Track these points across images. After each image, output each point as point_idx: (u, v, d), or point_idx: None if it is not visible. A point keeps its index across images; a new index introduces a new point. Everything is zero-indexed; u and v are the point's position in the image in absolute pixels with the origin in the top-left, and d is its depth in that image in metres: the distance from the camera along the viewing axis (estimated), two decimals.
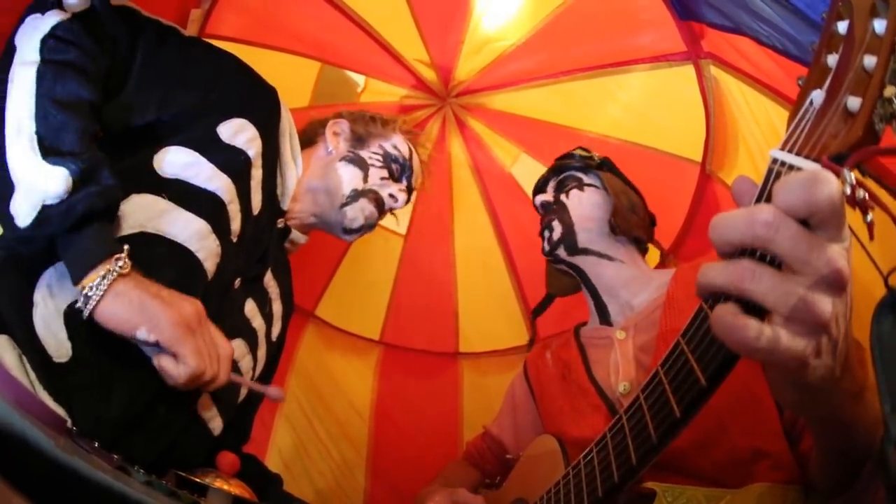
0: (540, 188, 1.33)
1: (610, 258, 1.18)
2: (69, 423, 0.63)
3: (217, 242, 0.94)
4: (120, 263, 0.77)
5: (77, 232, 0.76)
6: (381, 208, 1.21)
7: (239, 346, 1.03)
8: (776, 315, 0.43)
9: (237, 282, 1.01)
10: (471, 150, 1.91)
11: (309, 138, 1.27)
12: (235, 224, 0.98)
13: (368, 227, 1.21)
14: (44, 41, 0.82)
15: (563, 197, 1.24)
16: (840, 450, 0.65)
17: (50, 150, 0.76)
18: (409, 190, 1.28)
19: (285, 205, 1.14)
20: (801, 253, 0.42)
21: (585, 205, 1.21)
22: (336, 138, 1.24)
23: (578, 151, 1.31)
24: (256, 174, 1.04)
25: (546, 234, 1.23)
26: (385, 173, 1.22)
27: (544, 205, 1.27)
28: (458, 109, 1.87)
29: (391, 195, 1.21)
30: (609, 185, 1.22)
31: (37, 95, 0.79)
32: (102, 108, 0.90)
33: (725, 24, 1.25)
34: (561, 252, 1.20)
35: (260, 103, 1.08)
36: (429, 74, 1.79)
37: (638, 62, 1.57)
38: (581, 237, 1.18)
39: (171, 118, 0.96)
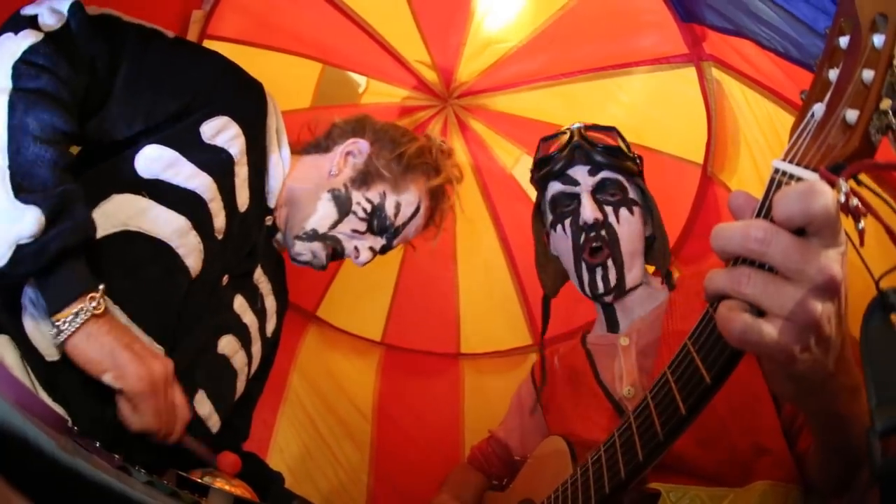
0: (562, 171, 1.13)
1: (637, 285, 1.12)
2: (70, 423, 0.64)
3: (198, 239, 0.94)
4: (94, 304, 0.77)
5: (52, 269, 0.76)
6: (339, 256, 1.14)
7: (230, 342, 1.04)
8: (771, 314, 0.47)
9: (225, 278, 1.02)
10: (472, 152, 1.91)
11: (328, 144, 1.19)
12: (219, 221, 0.98)
13: (313, 266, 1.15)
14: (15, 67, 0.79)
15: (612, 219, 1.09)
16: (837, 446, 0.66)
17: (21, 187, 0.74)
18: (385, 249, 1.17)
19: (272, 203, 1.11)
20: (794, 263, 0.45)
21: (635, 236, 1.10)
22: (345, 161, 1.14)
23: (620, 143, 1.14)
24: (241, 171, 1.02)
25: (599, 272, 1.08)
26: (362, 227, 1.11)
27: (595, 226, 1.07)
28: (459, 111, 1.87)
29: (356, 248, 1.12)
30: (656, 215, 1.15)
31: (8, 127, 0.76)
32: (87, 123, 0.88)
33: (727, 26, 1.25)
34: (608, 298, 1.10)
35: (244, 101, 1.06)
36: (430, 76, 1.79)
37: (639, 64, 1.58)
38: (629, 278, 1.09)
39: (156, 123, 0.95)
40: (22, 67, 0.80)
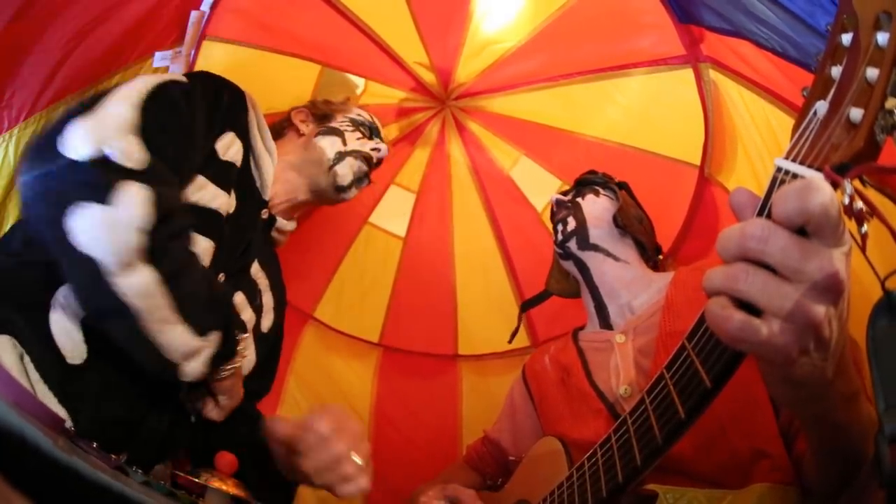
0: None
1: (616, 258, 1.20)
2: (68, 423, 0.63)
3: (212, 254, 0.98)
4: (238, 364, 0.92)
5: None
6: (370, 163, 1.33)
7: None
8: (769, 314, 0.45)
9: (221, 277, 1.03)
10: (470, 153, 1.91)
11: (277, 132, 1.33)
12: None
13: (358, 181, 1.31)
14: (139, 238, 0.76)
15: (578, 198, 1.29)
16: (833, 451, 0.66)
17: (198, 324, 0.82)
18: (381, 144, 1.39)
19: (266, 195, 1.16)
20: (793, 262, 0.44)
21: (598, 207, 1.26)
22: (304, 123, 1.35)
23: (602, 174, 1.37)
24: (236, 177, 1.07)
25: (559, 227, 1.27)
26: (359, 134, 1.34)
27: (558, 202, 1.31)
28: (457, 112, 1.87)
29: (374, 148, 1.34)
30: (622, 198, 1.27)
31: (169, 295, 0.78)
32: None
33: (724, 27, 1.26)
34: (572, 244, 1.23)
35: (236, 110, 1.10)
36: (428, 77, 1.79)
37: (637, 65, 1.58)
38: (592, 233, 1.22)
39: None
40: (145, 238, 0.76)
